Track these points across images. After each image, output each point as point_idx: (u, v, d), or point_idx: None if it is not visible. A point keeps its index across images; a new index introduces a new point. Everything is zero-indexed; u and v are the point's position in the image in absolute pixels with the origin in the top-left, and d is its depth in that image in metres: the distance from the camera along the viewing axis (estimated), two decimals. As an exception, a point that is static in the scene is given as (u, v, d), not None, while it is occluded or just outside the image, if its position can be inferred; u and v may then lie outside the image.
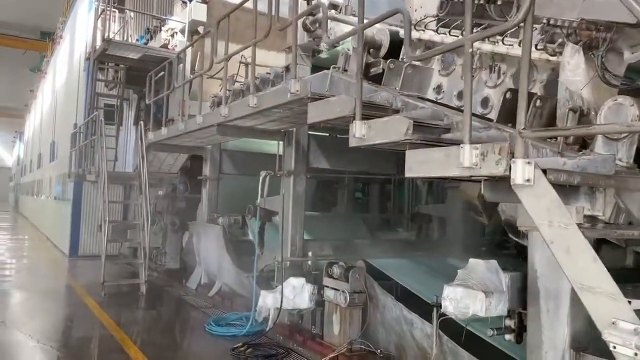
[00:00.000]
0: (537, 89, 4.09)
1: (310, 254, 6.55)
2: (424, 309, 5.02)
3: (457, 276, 3.62)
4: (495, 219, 6.23)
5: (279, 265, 6.91)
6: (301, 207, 6.88)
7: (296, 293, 6.08)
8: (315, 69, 6.97)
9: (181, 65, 10.04)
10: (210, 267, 9.41)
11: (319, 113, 4.29)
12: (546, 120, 3.80)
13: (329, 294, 5.91)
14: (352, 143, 3.80)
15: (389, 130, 3.45)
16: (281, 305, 6.03)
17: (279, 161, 7.19)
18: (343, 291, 5.54)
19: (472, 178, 2.99)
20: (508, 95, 3.91)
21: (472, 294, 3.34)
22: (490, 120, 4.21)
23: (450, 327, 4.53)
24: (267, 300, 6.04)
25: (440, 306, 4.37)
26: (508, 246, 7.24)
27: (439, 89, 5.01)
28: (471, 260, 3.68)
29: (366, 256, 7.20)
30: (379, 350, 5.44)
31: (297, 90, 4.58)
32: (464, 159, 2.79)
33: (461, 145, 2.83)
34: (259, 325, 6.69)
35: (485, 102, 4.51)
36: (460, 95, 4.78)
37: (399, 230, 10.33)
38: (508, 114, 3.91)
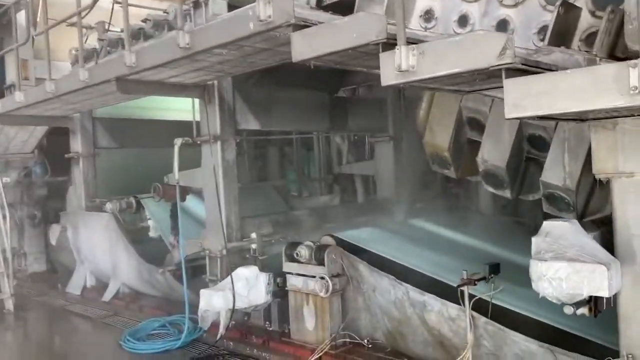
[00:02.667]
0: (582, 2, 3.33)
1: (253, 235, 5.30)
2: (422, 283, 4.20)
3: (537, 246, 2.79)
4: (463, 172, 5.58)
5: (212, 254, 5.56)
6: (233, 180, 5.55)
7: (250, 286, 4.86)
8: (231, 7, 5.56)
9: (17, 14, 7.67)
10: (98, 265, 7.57)
11: (315, 45, 3.05)
12: (613, 38, 3.06)
13: (294, 282, 4.78)
14: (390, 80, 2.68)
15: (465, 54, 2.40)
16: (234, 305, 4.76)
17: (196, 125, 5.70)
18: (322, 277, 4.46)
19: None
20: (562, 10, 3.09)
21: (587, 269, 2.52)
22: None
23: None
24: (215, 302, 4.71)
25: (471, 283, 3.57)
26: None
27: (428, 15, 4.04)
28: (546, 223, 2.86)
29: (312, 229, 6.19)
30: (365, 340, 4.53)
31: (269, 16, 3.26)
32: (644, 80, 1.88)
33: (633, 62, 1.91)
34: (194, 332, 5.36)
35: (502, 25, 3.66)
36: (462, 21, 3.88)
37: (316, 195, 9.41)
38: (563, 35, 3.11)
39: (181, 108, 9.66)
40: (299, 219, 6.35)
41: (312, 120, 6.49)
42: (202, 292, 4.88)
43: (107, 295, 7.13)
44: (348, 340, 4.56)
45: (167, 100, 9.25)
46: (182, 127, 8.75)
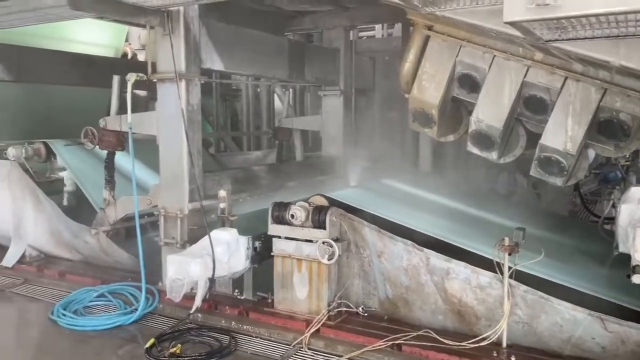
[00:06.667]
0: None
1: (222, 193, 4.57)
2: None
3: (630, 214, 2.62)
4: (442, 131, 5.36)
5: (168, 213, 4.75)
6: (198, 128, 4.73)
7: (231, 252, 4.22)
8: None
9: None
10: (-7, 224, 6.21)
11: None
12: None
13: (283, 247, 4.24)
14: (515, 15, 2.25)
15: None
16: (214, 273, 4.10)
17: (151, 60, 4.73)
18: (324, 242, 3.98)
19: None
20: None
21: None
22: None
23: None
24: (192, 270, 4.00)
25: (514, 250, 3.37)
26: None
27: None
28: (635, 189, 2.70)
29: (274, 188, 5.63)
30: (360, 308, 4.20)
31: None
32: None
33: None
34: (147, 304, 4.60)
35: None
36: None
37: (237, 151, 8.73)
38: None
39: (88, 41, 8.32)
40: (258, 176, 5.71)
41: (273, 65, 5.79)
42: (171, 258, 4.12)
43: (10, 260, 5.88)
44: (344, 309, 4.19)
45: (66, 30, 7.86)
46: (94, 63, 7.56)
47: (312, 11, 7.18)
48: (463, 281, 3.64)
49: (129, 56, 9.39)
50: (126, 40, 9.50)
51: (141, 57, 9.63)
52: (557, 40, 2.83)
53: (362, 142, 7.20)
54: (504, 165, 6.98)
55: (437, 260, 3.71)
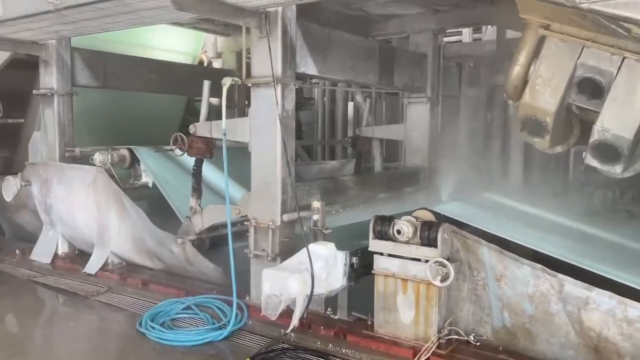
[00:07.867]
0: None
1: (316, 204, 4.29)
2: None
3: None
4: (554, 141, 4.87)
5: (259, 224, 4.51)
6: (291, 135, 4.48)
7: (329, 268, 3.91)
8: None
9: None
10: (78, 229, 6.20)
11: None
12: None
13: (386, 264, 3.90)
14: None
15: None
16: (312, 291, 3.81)
17: (245, 63, 4.53)
18: (437, 262, 3.60)
19: None
20: None
21: None
22: None
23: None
24: (291, 286, 3.72)
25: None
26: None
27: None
28: None
29: (364, 199, 5.31)
30: (472, 336, 3.78)
31: None
32: None
33: None
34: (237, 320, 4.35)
35: None
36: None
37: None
38: None
39: (167, 48, 8.33)
40: (347, 187, 5.40)
41: (364, 70, 5.49)
42: (267, 273, 3.86)
43: (93, 267, 5.83)
44: (454, 337, 3.78)
45: (147, 37, 7.87)
46: (175, 71, 7.53)
47: (398, 15, 6.87)
48: (605, 313, 3.16)
49: (205, 64, 9.37)
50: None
51: (216, 64, 9.60)
52: None
53: (449, 152, 6.79)
54: (601, 180, 6.39)
55: (574, 287, 3.25)
